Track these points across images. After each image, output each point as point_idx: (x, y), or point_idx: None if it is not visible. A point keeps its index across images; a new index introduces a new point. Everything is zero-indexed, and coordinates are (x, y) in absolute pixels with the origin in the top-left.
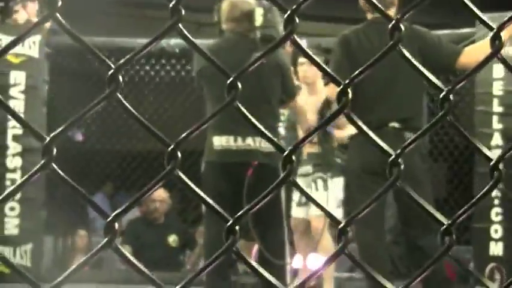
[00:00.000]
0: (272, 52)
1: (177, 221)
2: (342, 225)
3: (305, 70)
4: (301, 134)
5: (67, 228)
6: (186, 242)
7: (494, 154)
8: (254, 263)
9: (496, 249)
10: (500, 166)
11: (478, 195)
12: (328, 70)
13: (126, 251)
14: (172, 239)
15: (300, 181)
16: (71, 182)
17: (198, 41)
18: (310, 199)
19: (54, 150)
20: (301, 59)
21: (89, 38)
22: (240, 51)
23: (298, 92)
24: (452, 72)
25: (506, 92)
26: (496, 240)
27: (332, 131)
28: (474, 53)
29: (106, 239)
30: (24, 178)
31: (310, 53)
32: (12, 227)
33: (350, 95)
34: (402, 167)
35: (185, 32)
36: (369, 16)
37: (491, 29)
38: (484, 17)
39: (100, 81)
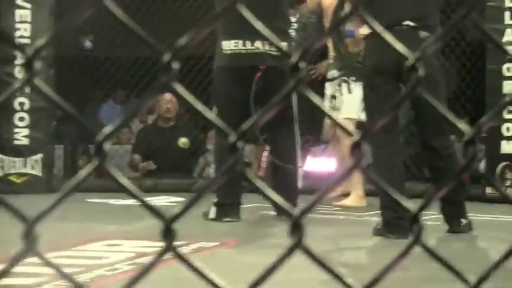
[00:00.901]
0: None
1: (187, 124)
2: (356, 140)
3: None
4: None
5: (76, 137)
6: (197, 147)
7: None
8: (259, 183)
9: (508, 147)
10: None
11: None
12: None
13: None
14: (183, 142)
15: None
16: (54, 97)
17: None
18: (320, 110)
19: (38, 64)
20: None
21: None
22: None
23: None
24: None
25: None
26: (508, 139)
27: (353, 33)
28: None
29: (96, 160)
30: (7, 91)
31: None
32: (22, 137)
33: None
34: (421, 72)
35: None
36: None
37: None
38: None
39: None
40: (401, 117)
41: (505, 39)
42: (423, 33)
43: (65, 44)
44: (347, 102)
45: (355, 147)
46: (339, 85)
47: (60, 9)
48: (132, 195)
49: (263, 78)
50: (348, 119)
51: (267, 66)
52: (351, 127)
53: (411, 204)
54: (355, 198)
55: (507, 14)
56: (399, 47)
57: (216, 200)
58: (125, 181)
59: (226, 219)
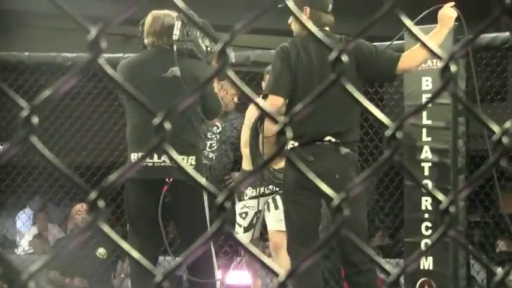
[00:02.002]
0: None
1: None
2: (281, 280)
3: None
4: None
5: None
6: (116, 255)
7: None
8: None
9: (427, 263)
10: (452, 209)
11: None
12: (264, 108)
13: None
14: (100, 252)
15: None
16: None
17: (124, 55)
18: (244, 249)
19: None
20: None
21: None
22: (157, 65)
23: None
24: (393, 79)
25: (435, 105)
26: (427, 255)
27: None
28: (412, 57)
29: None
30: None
31: (244, 87)
32: None
33: (290, 135)
34: (345, 212)
35: (105, 68)
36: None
37: (440, 58)
38: (433, 45)
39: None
40: (320, 230)
41: (422, 156)
42: (344, 150)
43: None
44: (276, 217)
45: (282, 287)
46: (273, 199)
47: None
48: None
49: (171, 192)
50: (279, 231)
51: (173, 180)
52: (281, 239)
53: None
54: None
55: (424, 131)
56: (326, 188)
57: None
58: None
59: None
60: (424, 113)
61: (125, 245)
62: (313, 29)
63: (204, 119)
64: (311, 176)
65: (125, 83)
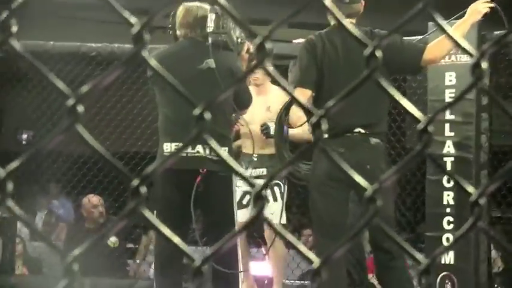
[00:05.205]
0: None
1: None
2: (316, 266)
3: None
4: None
5: None
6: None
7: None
8: None
9: (448, 258)
10: (481, 201)
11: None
12: (300, 100)
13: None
14: (112, 240)
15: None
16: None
17: (151, 46)
18: (282, 236)
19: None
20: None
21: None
22: (192, 57)
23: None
24: (418, 71)
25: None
26: (448, 249)
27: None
28: (437, 48)
29: None
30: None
31: (282, 80)
32: None
33: (325, 127)
34: (378, 203)
35: (149, 61)
36: (333, 22)
37: (471, 55)
38: (464, 42)
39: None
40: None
41: (444, 150)
42: (373, 140)
43: (5, 139)
44: (280, 208)
45: (316, 274)
46: (270, 188)
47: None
48: None
49: (203, 182)
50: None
51: (207, 170)
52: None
53: None
54: None
55: (447, 126)
56: (359, 178)
57: None
58: None
59: None
60: None
61: (167, 231)
62: (349, 25)
63: (236, 109)
64: (345, 166)
65: (168, 75)
